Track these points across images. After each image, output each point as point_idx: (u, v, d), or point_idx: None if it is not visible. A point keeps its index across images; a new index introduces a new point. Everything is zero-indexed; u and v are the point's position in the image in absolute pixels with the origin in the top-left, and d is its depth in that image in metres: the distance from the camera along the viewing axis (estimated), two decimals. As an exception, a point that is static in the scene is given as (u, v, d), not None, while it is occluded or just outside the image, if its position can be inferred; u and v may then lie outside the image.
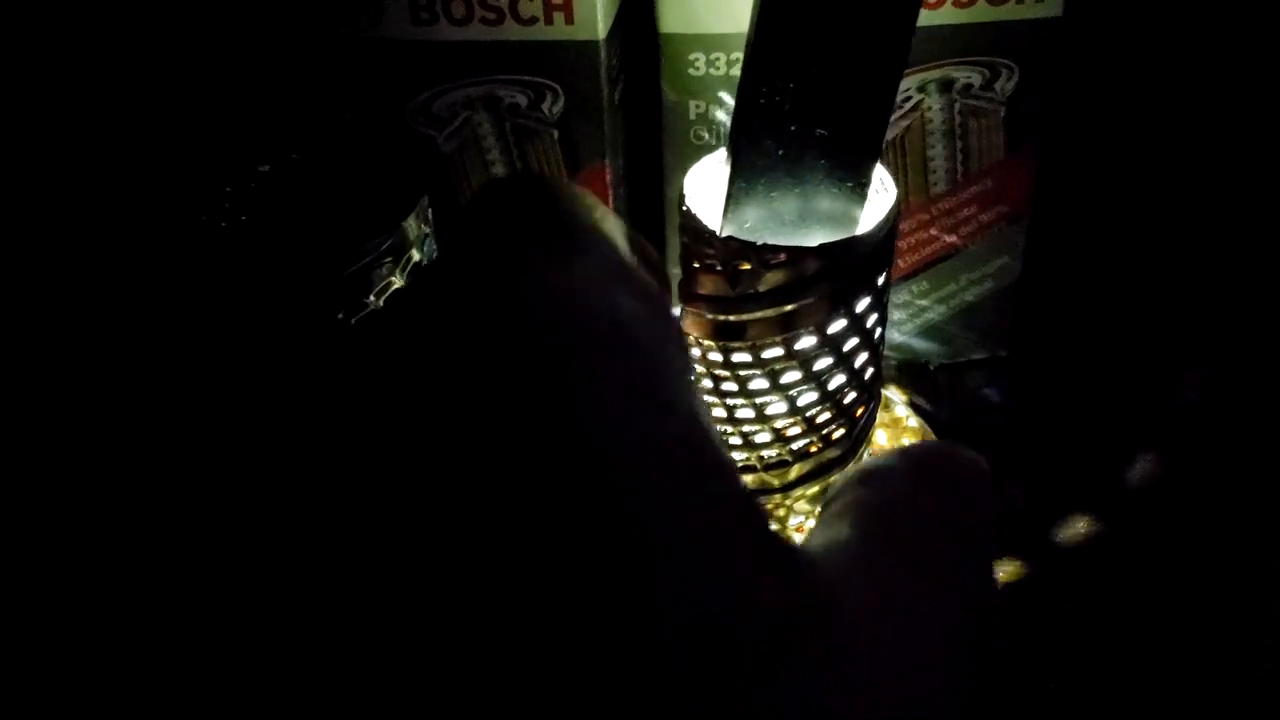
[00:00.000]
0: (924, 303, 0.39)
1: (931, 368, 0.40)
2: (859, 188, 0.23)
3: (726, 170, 0.23)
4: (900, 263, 0.37)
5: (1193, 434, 0.37)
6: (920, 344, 0.39)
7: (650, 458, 0.13)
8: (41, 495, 0.25)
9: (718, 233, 0.24)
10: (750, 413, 0.26)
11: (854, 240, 0.23)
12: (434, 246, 0.29)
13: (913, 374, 0.40)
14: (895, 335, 0.39)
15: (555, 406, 0.13)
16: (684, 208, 0.25)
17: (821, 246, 0.23)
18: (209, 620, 0.13)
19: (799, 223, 0.23)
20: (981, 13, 0.32)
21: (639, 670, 0.12)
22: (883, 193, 0.25)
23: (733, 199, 0.23)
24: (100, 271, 0.30)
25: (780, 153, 0.22)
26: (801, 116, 0.22)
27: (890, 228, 0.24)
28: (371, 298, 0.27)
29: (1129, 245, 0.43)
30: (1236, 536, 0.34)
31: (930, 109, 0.34)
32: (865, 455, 0.29)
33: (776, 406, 0.26)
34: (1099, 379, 0.39)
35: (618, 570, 0.12)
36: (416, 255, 0.28)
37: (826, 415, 0.27)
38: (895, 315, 0.38)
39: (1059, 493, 0.35)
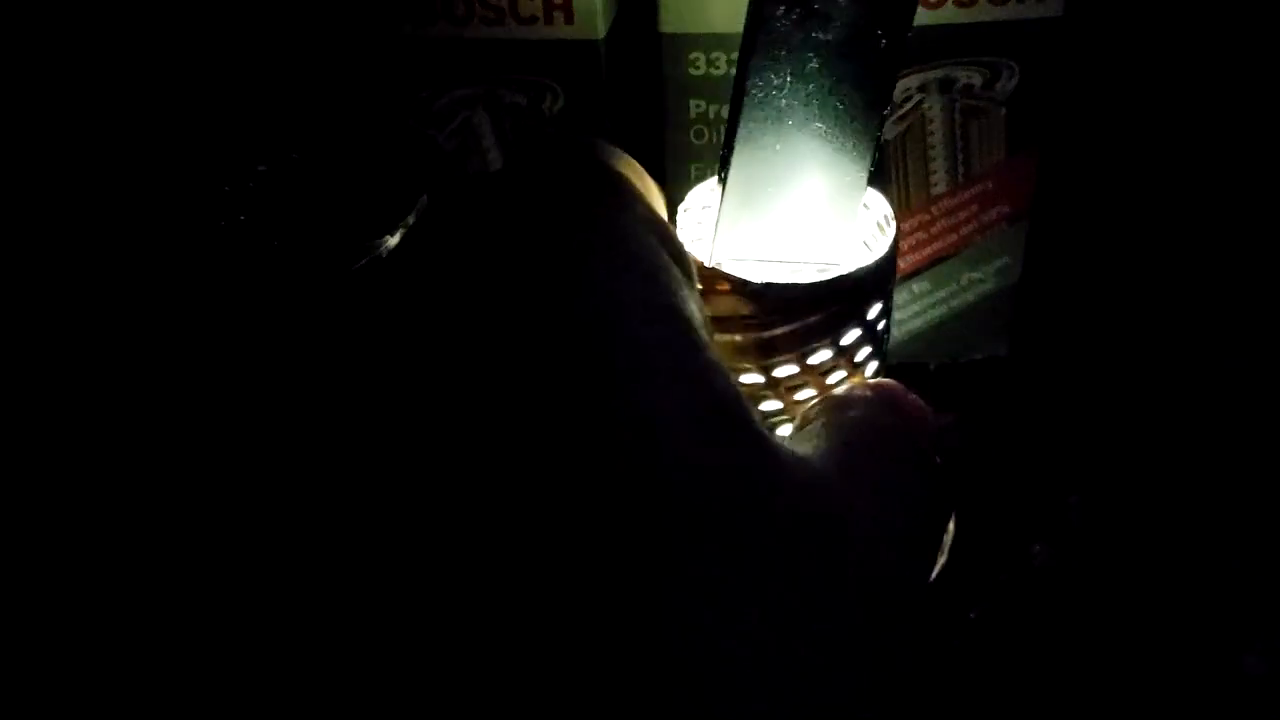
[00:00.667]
0: (924, 303, 0.38)
1: (931, 368, 0.40)
2: (848, 210, 0.23)
3: (717, 193, 0.23)
4: (900, 263, 0.37)
5: (1192, 433, 0.37)
6: (920, 344, 0.39)
7: (662, 360, 0.16)
8: (42, 495, 0.25)
9: (710, 256, 0.23)
10: None
11: (840, 273, 0.23)
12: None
13: (912, 374, 0.40)
14: (895, 335, 0.39)
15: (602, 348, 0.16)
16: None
17: (803, 276, 0.23)
18: (209, 619, 0.13)
19: (789, 248, 0.23)
20: (982, 12, 0.32)
21: (636, 524, 0.14)
22: (886, 229, 0.24)
23: (724, 219, 0.23)
24: (99, 271, 0.30)
25: (770, 189, 0.22)
26: (791, 156, 0.22)
27: (883, 263, 0.24)
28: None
29: (1130, 246, 0.43)
30: (1236, 536, 0.34)
31: (930, 109, 0.34)
32: None
33: None
34: (1099, 379, 0.39)
35: (622, 448, 0.15)
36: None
37: None
38: (895, 315, 0.38)
39: (1057, 492, 0.35)
